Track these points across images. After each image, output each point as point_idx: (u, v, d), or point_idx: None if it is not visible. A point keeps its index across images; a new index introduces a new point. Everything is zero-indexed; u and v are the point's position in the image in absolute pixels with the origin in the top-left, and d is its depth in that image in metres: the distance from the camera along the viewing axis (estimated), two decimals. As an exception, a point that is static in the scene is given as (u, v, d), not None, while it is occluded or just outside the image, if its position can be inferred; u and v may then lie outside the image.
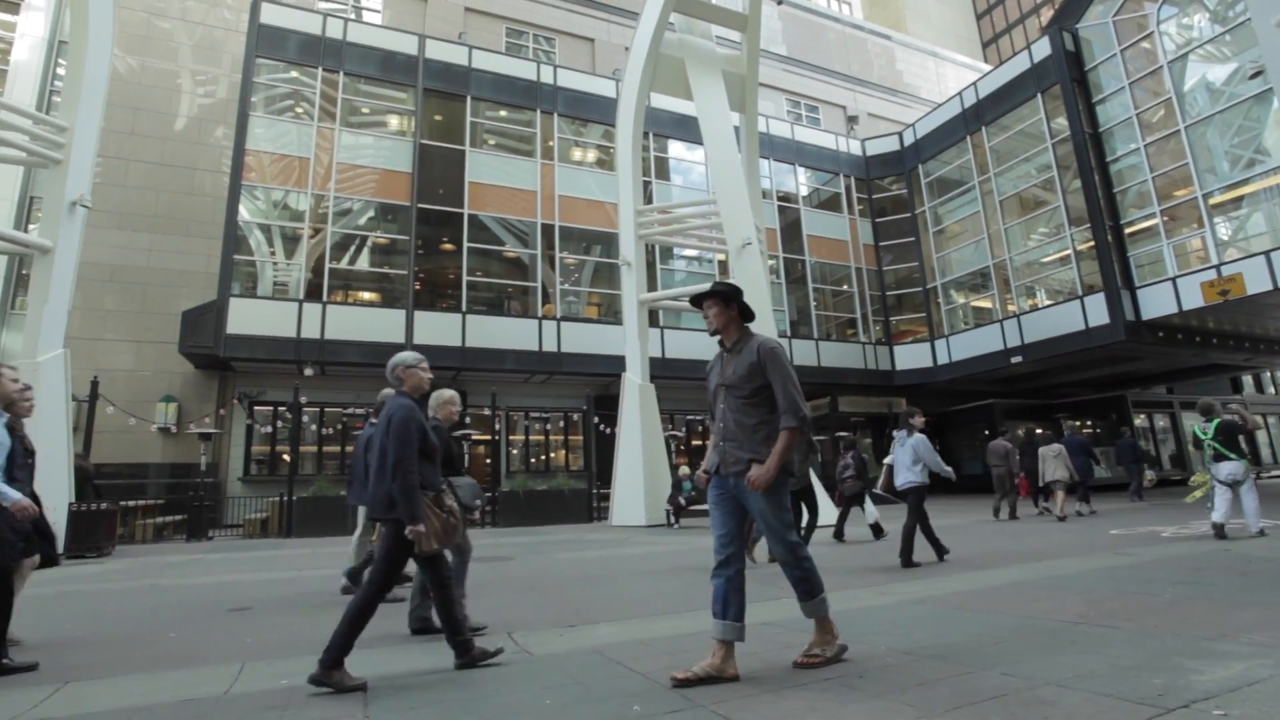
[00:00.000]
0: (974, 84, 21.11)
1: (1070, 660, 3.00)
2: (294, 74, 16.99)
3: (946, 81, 31.73)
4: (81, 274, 12.31)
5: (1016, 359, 19.11)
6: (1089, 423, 23.84)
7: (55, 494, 10.36)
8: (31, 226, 15.40)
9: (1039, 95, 18.81)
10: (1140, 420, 23.71)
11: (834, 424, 21.47)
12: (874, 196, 24.24)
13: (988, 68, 30.06)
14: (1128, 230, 17.18)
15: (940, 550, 6.64)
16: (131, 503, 13.06)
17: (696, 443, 20.80)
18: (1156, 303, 16.36)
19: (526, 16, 22.87)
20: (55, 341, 10.79)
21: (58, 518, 10.19)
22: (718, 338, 3.29)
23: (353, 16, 19.93)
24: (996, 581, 5.37)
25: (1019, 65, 19.58)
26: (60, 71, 17.00)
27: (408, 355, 3.64)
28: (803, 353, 20.97)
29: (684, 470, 14.56)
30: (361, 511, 6.06)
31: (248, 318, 14.98)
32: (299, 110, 16.94)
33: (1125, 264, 16.99)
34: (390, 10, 21.20)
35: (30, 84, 16.71)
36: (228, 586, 6.84)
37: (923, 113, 24.58)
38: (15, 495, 3.71)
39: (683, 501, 13.71)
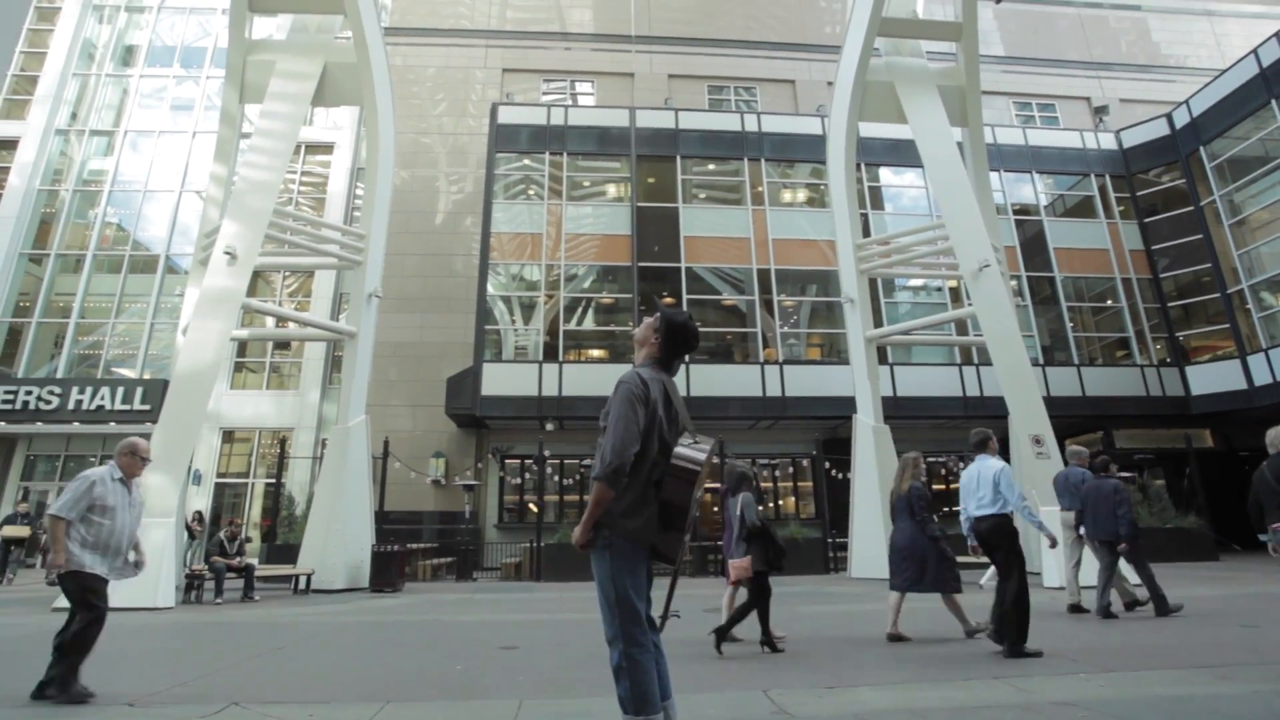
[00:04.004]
0: (1276, 34, 17.13)
1: None
2: (526, 161, 19.26)
3: (1229, 41, 26.30)
4: (374, 352, 14.86)
5: (1385, 372, 14.64)
6: None
7: (361, 536, 12.37)
8: (341, 316, 19.06)
9: (1377, 35, 14.74)
10: None
11: (1116, 463, 18.05)
12: (1139, 194, 20.64)
13: (1287, 16, 24.51)
14: None
15: None
16: (414, 545, 15.13)
17: (939, 486, 18.85)
18: None
19: (726, 71, 23.65)
20: (359, 409, 13.02)
21: (363, 558, 12.12)
22: None
23: (570, 103, 22.24)
24: None
25: (1339, 4, 15.57)
26: (359, 192, 21.20)
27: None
28: (1061, 382, 18.16)
29: (928, 518, 13.21)
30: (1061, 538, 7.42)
31: (497, 380, 16.87)
32: (530, 192, 19.10)
33: None
34: (601, 90, 23.28)
35: (340, 205, 21.16)
36: (496, 625, 7.48)
37: (1198, 85, 20.57)
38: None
39: (930, 553, 12.39)
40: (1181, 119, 19.77)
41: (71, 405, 18.40)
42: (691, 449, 2.69)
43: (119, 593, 9.02)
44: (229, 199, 12.33)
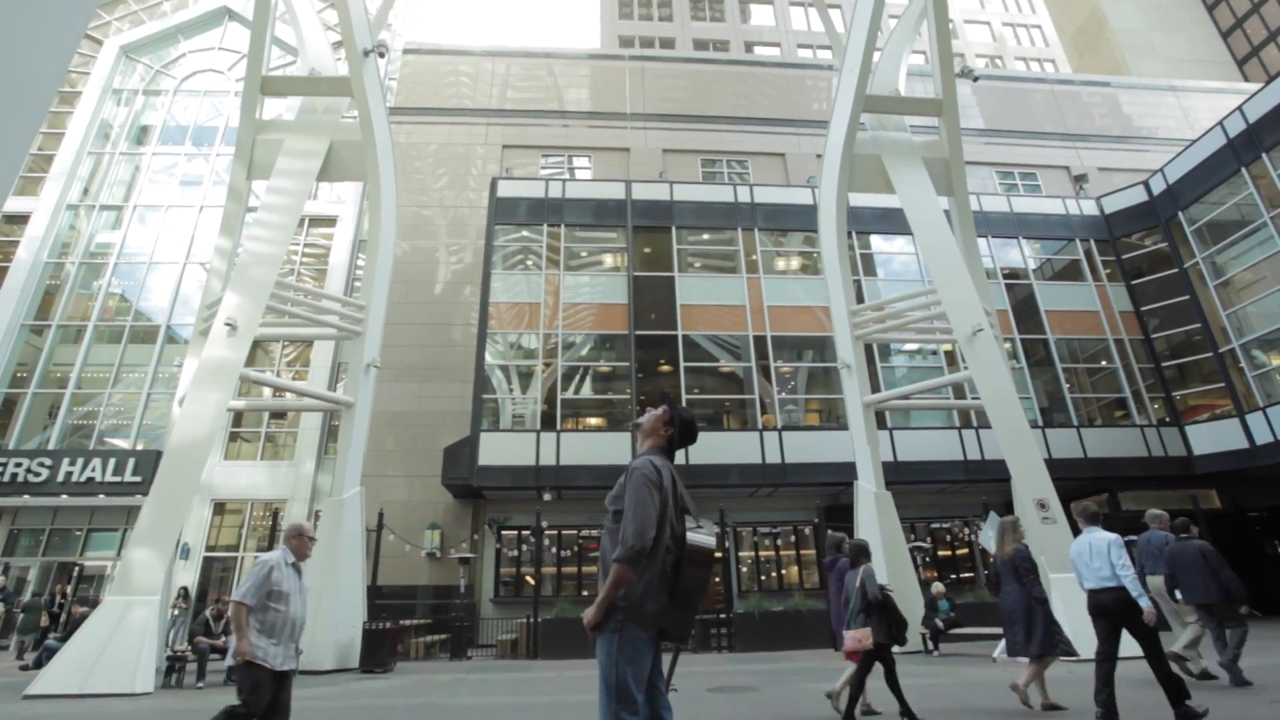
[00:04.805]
0: (1239, 108, 17.97)
1: None
2: (524, 233, 19.69)
3: (1196, 114, 27.55)
4: (371, 421, 14.76)
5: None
6: None
7: (352, 612, 11.96)
8: (339, 386, 19.03)
9: (1339, 106, 15.41)
10: None
11: (1119, 526, 17.75)
12: (1124, 257, 21.13)
13: (1253, 87, 25.72)
14: None
15: None
16: (407, 622, 14.59)
17: (945, 553, 18.47)
18: None
19: (718, 145, 24.54)
20: (354, 481, 12.81)
21: (353, 636, 11.68)
22: None
23: (568, 177, 22.95)
24: None
25: (1300, 79, 16.37)
26: (360, 263, 21.56)
27: None
28: (1061, 444, 18.05)
29: (937, 587, 12.88)
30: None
31: (495, 449, 16.69)
32: (528, 262, 19.43)
33: None
34: (598, 164, 24.06)
35: (341, 276, 21.51)
36: (491, 710, 7.14)
37: (1170, 154, 21.40)
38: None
39: (940, 624, 12.03)
40: (1158, 186, 20.44)
41: (61, 477, 18.10)
42: (701, 533, 2.79)
43: (96, 677, 8.69)
44: (232, 271, 12.52)
